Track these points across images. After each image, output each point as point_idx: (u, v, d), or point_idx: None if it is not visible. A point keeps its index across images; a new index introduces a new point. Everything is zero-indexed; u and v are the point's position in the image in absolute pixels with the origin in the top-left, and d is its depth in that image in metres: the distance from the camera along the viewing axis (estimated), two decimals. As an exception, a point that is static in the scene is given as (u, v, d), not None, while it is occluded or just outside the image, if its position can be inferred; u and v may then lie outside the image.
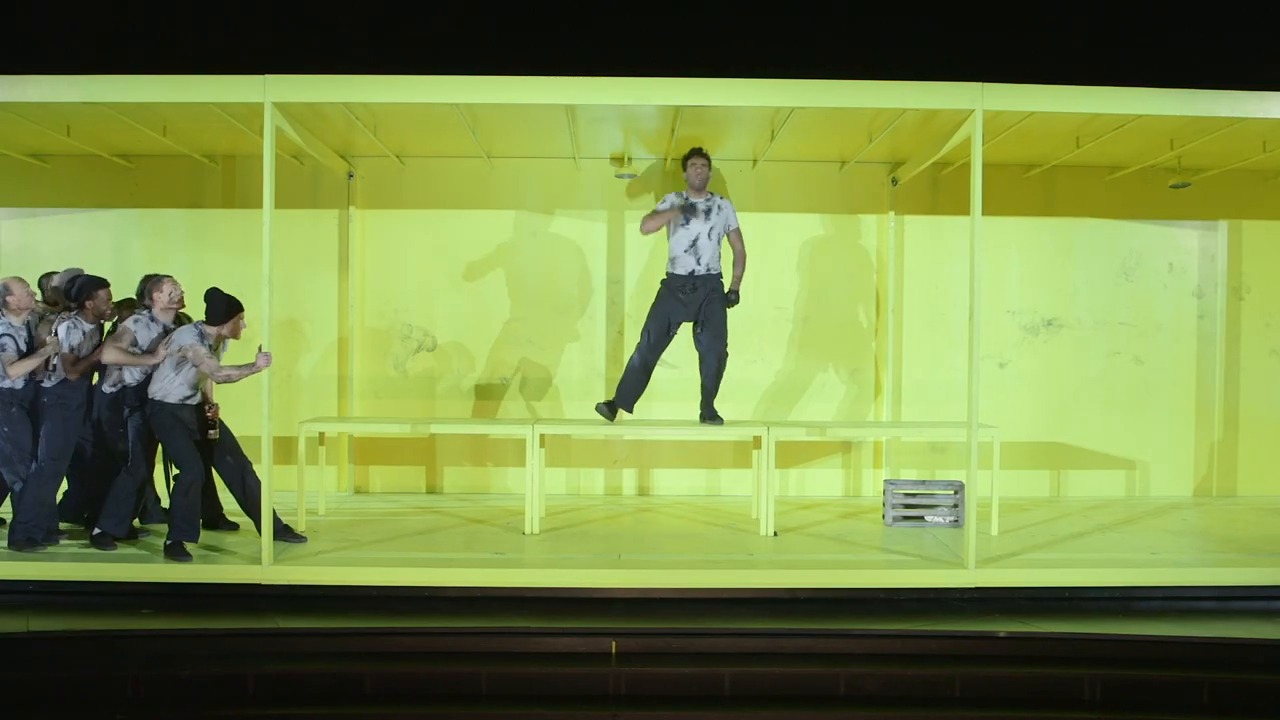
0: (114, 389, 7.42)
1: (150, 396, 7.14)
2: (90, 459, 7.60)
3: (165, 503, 8.12)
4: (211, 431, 7.44)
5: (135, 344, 7.21)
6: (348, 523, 8.29)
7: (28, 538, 7.11)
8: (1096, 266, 9.93)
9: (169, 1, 9.97)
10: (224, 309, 7.19)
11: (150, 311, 7.34)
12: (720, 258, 8.24)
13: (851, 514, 8.94)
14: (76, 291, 7.33)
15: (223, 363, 7.29)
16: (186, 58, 8.83)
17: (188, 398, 7.20)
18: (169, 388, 7.11)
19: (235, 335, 7.29)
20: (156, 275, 7.79)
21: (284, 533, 7.39)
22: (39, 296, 7.69)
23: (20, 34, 9.58)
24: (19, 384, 7.24)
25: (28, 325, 7.34)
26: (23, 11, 9.64)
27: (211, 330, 7.17)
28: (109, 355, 7.17)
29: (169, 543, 7.00)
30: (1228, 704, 5.84)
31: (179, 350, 7.05)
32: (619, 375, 9.70)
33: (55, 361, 7.21)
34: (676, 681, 5.94)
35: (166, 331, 7.29)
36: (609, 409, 8.29)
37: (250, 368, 6.96)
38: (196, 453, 7.22)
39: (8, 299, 7.25)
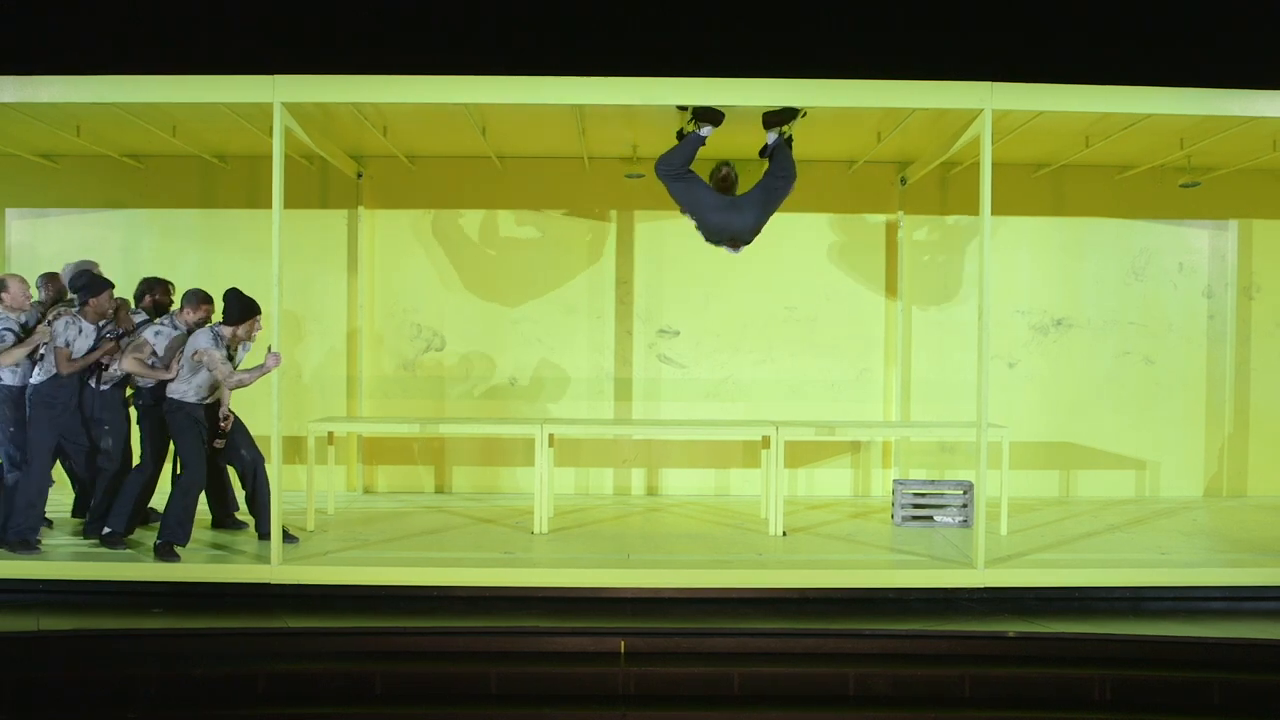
0: (107, 386, 7.47)
1: (168, 395, 7.18)
2: (88, 458, 7.62)
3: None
4: (218, 441, 7.45)
5: (154, 355, 7.25)
6: (357, 522, 8.30)
7: (22, 539, 7.12)
8: (1106, 266, 9.91)
9: (178, 2, 9.98)
10: (239, 309, 7.20)
11: (171, 319, 7.38)
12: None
13: (860, 514, 8.93)
14: (81, 290, 7.36)
15: (241, 366, 7.31)
16: (196, 58, 8.85)
17: (205, 399, 7.23)
18: (186, 389, 7.14)
19: (249, 338, 7.30)
20: (159, 280, 7.86)
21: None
22: (35, 296, 7.72)
23: (30, 35, 9.61)
24: (19, 380, 7.30)
25: (23, 325, 7.39)
26: (33, 13, 9.66)
27: (227, 331, 7.18)
28: (128, 364, 7.23)
29: (159, 543, 7.01)
30: (1238, 704, 5.82)
31: (195, 354, 7.08)
32: (628, 375, 9.78)
33: (44, 353, 7.24)
34: (685, 682, 5.94)
35: (188, 332, 7.34)
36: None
37: (260, 369, 6.97)
38: (204, 457, 7.23)
39: (1, 294, 7.28)
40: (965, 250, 9.82)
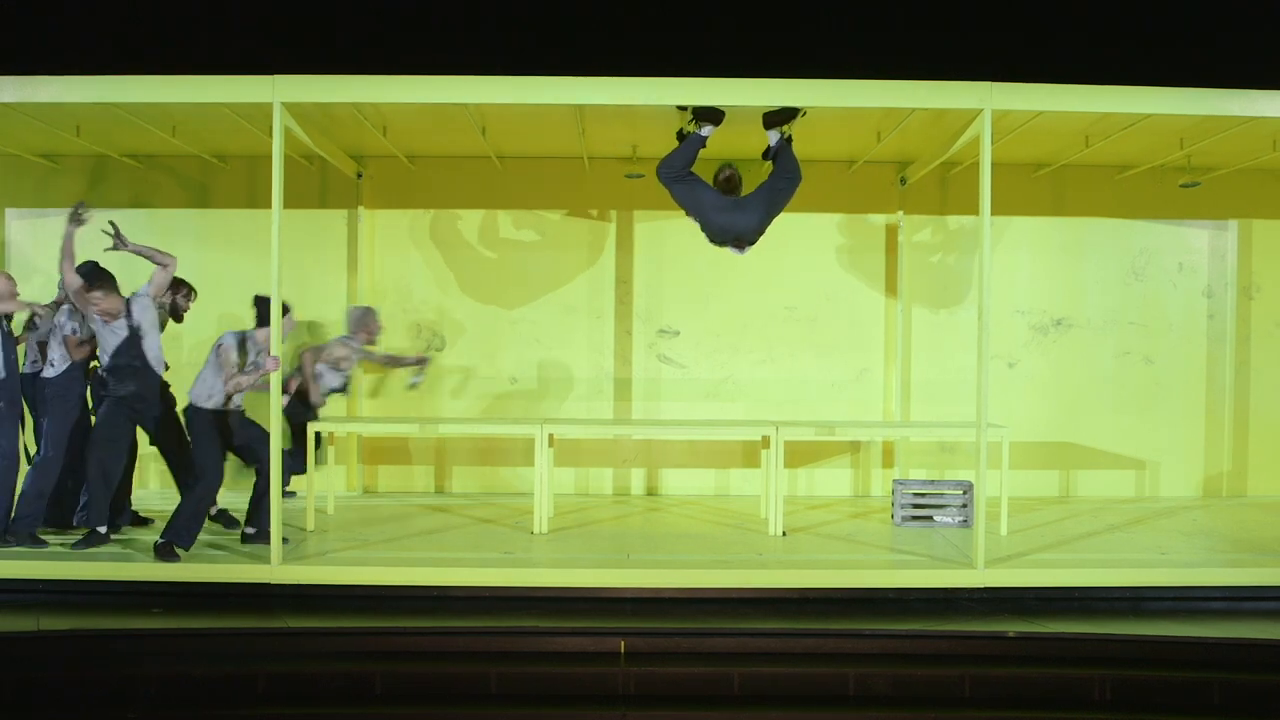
0: None
1: (190, 401, 7.21)
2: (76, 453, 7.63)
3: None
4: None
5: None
6: (357, 522, 8.29)
7: (28, 532, 7.18)
8: (1106, 266, 9.91)
9: (178, 2, 9.98)
10: (261, 311, 7.28)
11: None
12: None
13: (860, 514, 8.93)
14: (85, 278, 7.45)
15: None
16: (196, 58, 8.85)
17: (222, 404, 7.24)
18: (209, 393, 7.18)
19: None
20: (183, 282, 8.00)
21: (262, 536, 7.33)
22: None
23: (30, 35, 9.60)
24: (2, 374, 7.31)
25: (28, 321, 7.48)
26: (32, 13, 9.66)
27: (261, 335, 7.22)
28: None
29: (161, 542, 6.98)
30: (1238, 704, 5.82)
31: (220, 350, 7.15)
32: (628, 375, 9.78)
33: (54, 354, 7.32)
34: (685, 682, 5.94)
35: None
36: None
37: (259, 370, 6.98)
38: (221, 464, 7.24)
39: None
40: (965, 250, 9.82)
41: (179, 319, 8.05)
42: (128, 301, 7.31)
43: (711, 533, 8.13)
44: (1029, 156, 9.18)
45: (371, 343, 8.85)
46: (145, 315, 7.34)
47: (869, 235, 9.87)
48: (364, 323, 8.78)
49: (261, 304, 7.32)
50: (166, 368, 7.52)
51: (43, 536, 7.29)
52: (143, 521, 7.97)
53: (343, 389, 8.83)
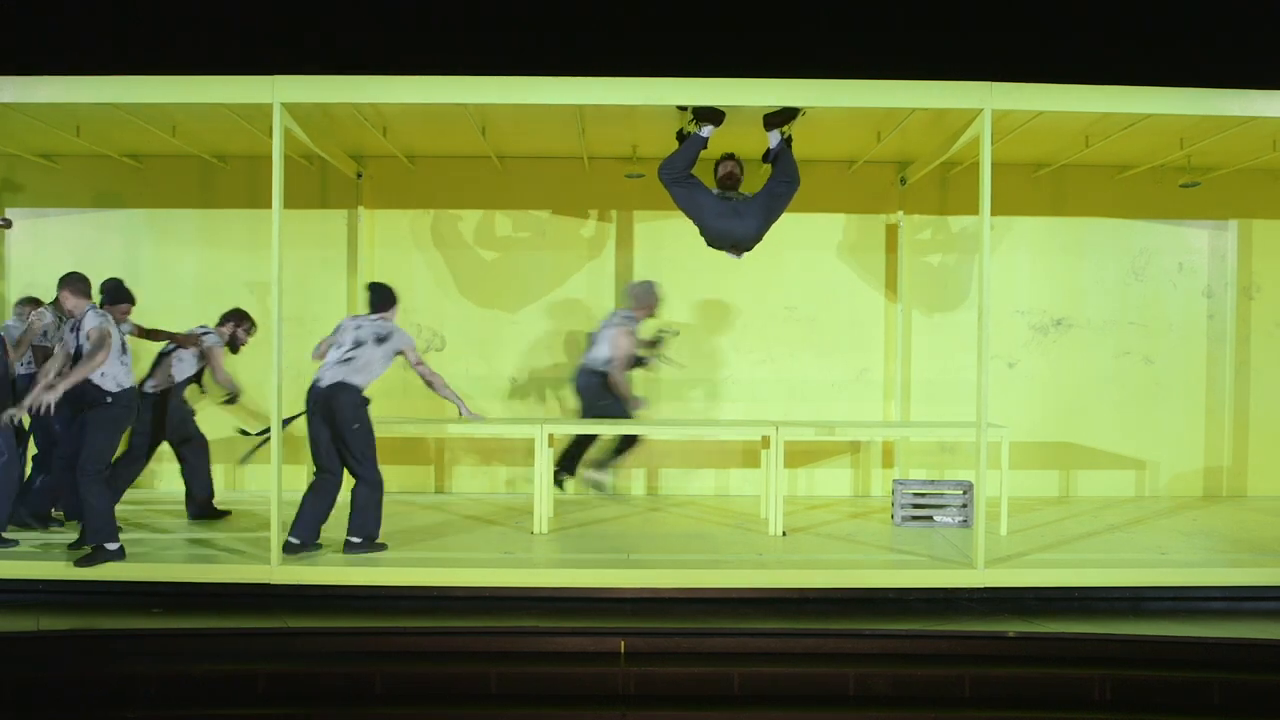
0: (154, 391, 7.87)
1: (346, 381, 7.24)
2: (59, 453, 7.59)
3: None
4: None
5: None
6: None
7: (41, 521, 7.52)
8: (1106, 266, 9.91)
9: (178, 2, 9.99)
10: (391, 297, 7.59)
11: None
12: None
13: (860, 514, 8.93)
14: (102, 294, 7.55)
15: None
16: (196, 58, 8.86)
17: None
18: (370, 378, 7.35)
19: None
20: (245, 315, 8.30)
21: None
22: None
23: (30, 35, 9.61)
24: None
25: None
26: (32, 13, 9.66)
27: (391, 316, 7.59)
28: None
29: (358, 540, 7.17)
30: (1238, 704, 5.82)
31: (404, 350, 7.48)
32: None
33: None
34: (685, 682, 5.94)
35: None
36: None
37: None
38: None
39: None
40: (965, 250, 9.82)
41: (235, 350, 8.17)
42: (88, 310, 6.92)
43: (711, 533, 8.13)
44: (1029, 156, 9.18)
45: (651, 316, 8.95)
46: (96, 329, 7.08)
47: (869, 235, 9.87)
48: (645, 298, 8.88)
49: (376, 289, 7.56)
50: (147, 391, 7.63)
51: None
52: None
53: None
